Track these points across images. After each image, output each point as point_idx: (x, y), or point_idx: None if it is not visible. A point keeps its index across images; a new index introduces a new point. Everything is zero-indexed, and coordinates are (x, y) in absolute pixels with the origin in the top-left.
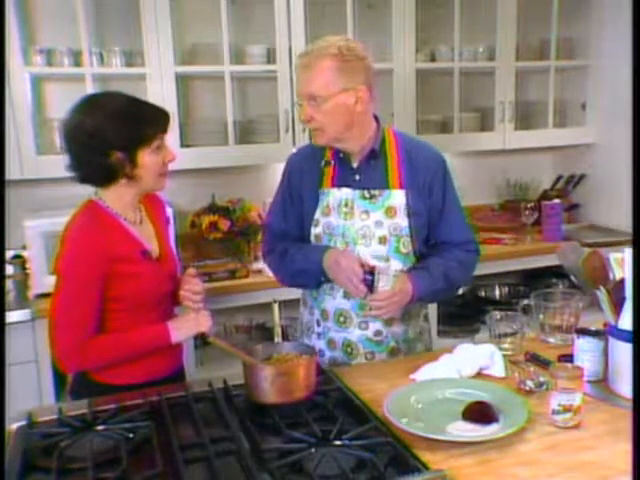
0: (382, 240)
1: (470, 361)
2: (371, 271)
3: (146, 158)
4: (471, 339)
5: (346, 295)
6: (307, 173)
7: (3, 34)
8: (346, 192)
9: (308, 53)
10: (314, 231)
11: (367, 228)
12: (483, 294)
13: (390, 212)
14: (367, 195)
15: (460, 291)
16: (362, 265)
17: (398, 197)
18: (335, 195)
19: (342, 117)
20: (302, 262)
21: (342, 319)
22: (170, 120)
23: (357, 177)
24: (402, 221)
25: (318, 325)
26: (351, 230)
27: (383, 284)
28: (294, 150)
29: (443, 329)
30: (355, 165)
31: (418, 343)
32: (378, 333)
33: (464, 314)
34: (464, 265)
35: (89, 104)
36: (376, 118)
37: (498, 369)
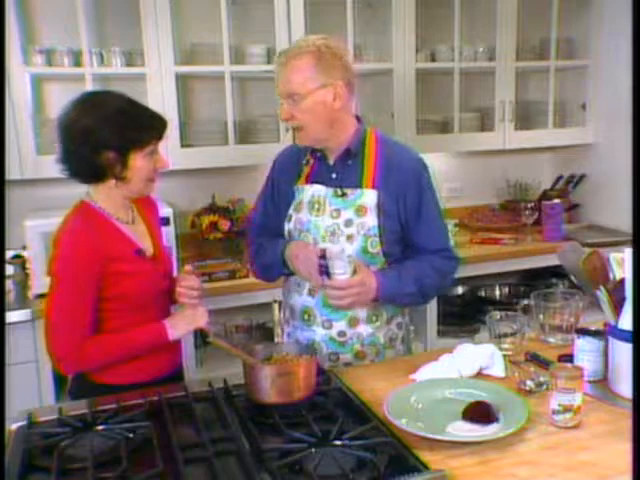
0: (349, 238)
1: (470, 361)
2: (323, 255)
3: (137, 161)
4: (471, 339)
5: (311, 292)
6: (289, 170)
7: (3, 34)
8: (318, 189)
9: (286, 52)
10: (287, 227)
11: (336, 226)
12: (483, 294)
13: (361, 211)
14: (339, 193)
15: (460, 291)
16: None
17: (370, 196)
18: (308, 192)
19: (321, 114)
20: (269, 256)
21: (306, 317)
22: (167, 127)
23: (333, 175)
24: (371, 220)
25: (287, 324)
26: (320, 227)
27: (340, 271)
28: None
29: (443, 329)
30: (331, 163)
31: (389, 350)
32: (342, 334)
33: (464, 314)
34: (439, 271)
35: (87, 102)
36: (358, 119)
37: (498, 369)
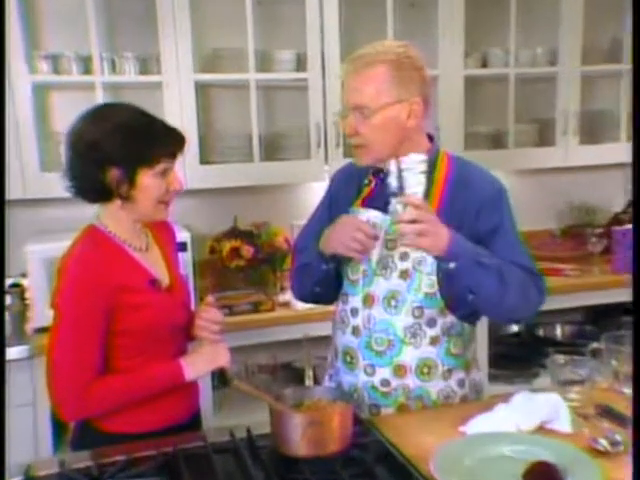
0: (403, 274)
1: (530, 413)
2: (389, 170)
3: (146, 180)
4: (529, 386)
5: (355, 331)
6: (348, 189)
7: (3, 36)
8: (374, 215)
9: (360, 57)
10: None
11: (390, 259)
12: (542, 333)
13: None
14: None
15: (515, 329)
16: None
17: None
18: (362, 217)
19: (392, 133)
20: (307, 255)
21: (348, 359)
22: (184, 145)
23: None
24: (429, 256)
25: (332, 366)
26: (372, 259)
27: (415, 190)
28: (326, 167)
29: (495, 373)
30: None
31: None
32: (385, 383)
33: (520, 356)
34: (522, 284)
35: (96, 113)
36: (431, 138)
37: (564, 423)
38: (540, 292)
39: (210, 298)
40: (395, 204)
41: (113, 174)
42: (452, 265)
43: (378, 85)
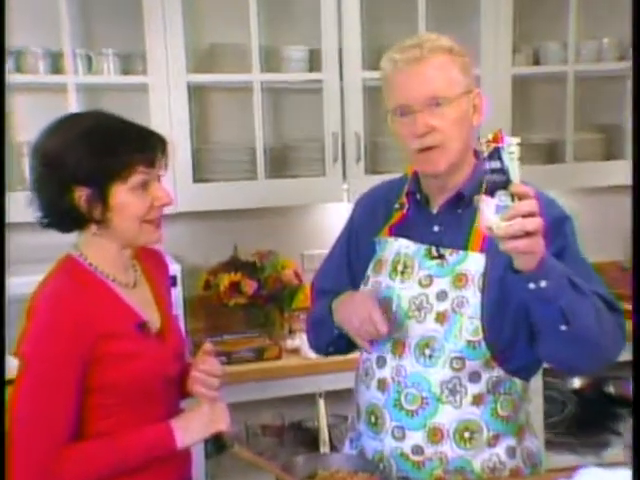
0: (440, 318)
1: None
2: (492, 152)
3: (120, 197)
4: (597, 458)
5: (381, 385)
6: (375, 217)
7: (3, 36)
8: (405, 245)
9: (419, 44)
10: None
11: (425, 298)
12: (612, 390)
13: (459, 281)
14: (435, 254)
15: (576, 384)
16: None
17: (474, 263)
18: (392, 247)
19: (465, 130)
20: (319, 309)
21: (373, 419)
22: (164, 149)
23: (435, 228)
24: (471, 296)
25: (353, 428)
26: (403, 297)
27: (516, 179)
28: (345, 185)
29: (552, 439)
30: (435, 211)
31: None
32: (417, 450)
33: (584, 419)
34: (610, 318)
35: (60, 122)
36: (475, 153)
37: None
38: (623, 333)
39: (208, 346)
40: (501, 196)
41: (81, 194)
42: (543, 284)
43: (447, 73)
